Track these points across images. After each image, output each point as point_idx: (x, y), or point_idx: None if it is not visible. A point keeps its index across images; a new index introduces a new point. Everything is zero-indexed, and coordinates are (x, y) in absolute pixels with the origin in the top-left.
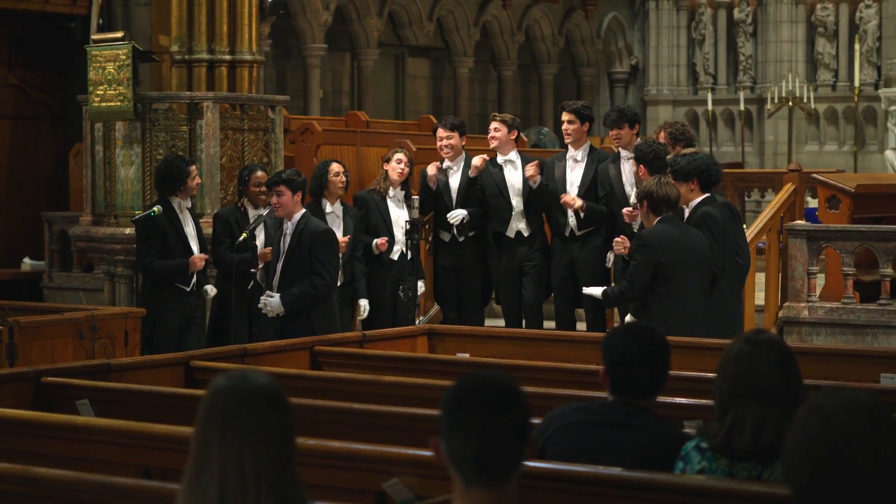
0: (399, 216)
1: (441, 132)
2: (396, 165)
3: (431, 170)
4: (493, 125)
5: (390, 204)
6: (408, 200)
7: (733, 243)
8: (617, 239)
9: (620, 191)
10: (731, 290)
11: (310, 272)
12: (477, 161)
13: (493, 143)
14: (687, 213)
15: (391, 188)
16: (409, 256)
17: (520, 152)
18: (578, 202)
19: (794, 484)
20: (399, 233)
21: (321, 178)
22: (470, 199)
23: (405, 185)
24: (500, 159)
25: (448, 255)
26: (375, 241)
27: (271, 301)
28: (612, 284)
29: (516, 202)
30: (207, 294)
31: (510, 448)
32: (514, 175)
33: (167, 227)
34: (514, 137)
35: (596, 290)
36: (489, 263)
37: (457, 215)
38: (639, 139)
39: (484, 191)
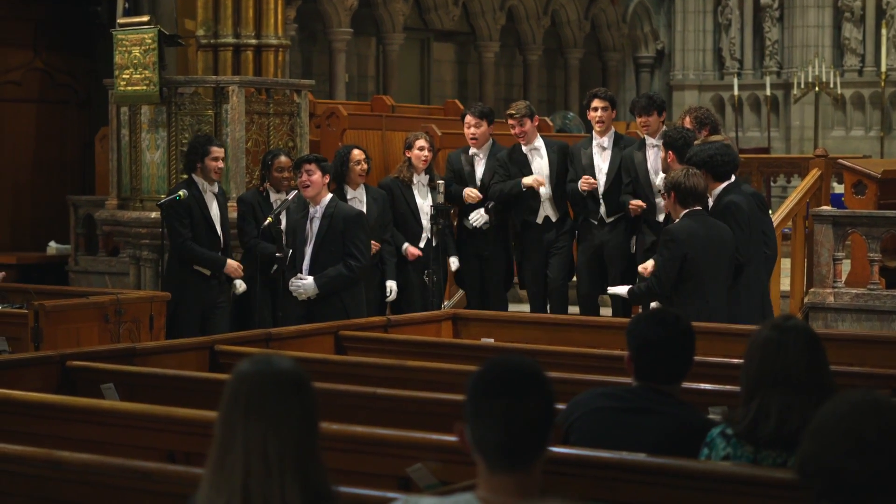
0: (424, 203)
1: (470, 119)
2: (419, 153)
3: (468, 196)
4: (512, 122)
5: (415, 192)
6: (432, 183)
7: (760, 233)
8: (642, 268)
9: (645, 178)
10: (757, 279)
11: (343, 255)
12: (531, 181)
13: (523, 140)
14: (711, 202)
15: (415, 175)
16: (434, 243)
17: (544, 137)
18: (594, 183)
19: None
20: (425, 220)
21: (342, 164)
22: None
23: (429, 170)
24: (525, 149)
25: (471, 241)
26: (406, 246)
27: (305, 283)
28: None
29: (545, 190)
30: (236, 289)
31: (534, 433)
32: (541, 162)
33: (193, 207)
34: (536, 124)
35: (622, 289)
36: (512, 250)
37: (477, 219)
38: (664, 126)
39: (510, 176)
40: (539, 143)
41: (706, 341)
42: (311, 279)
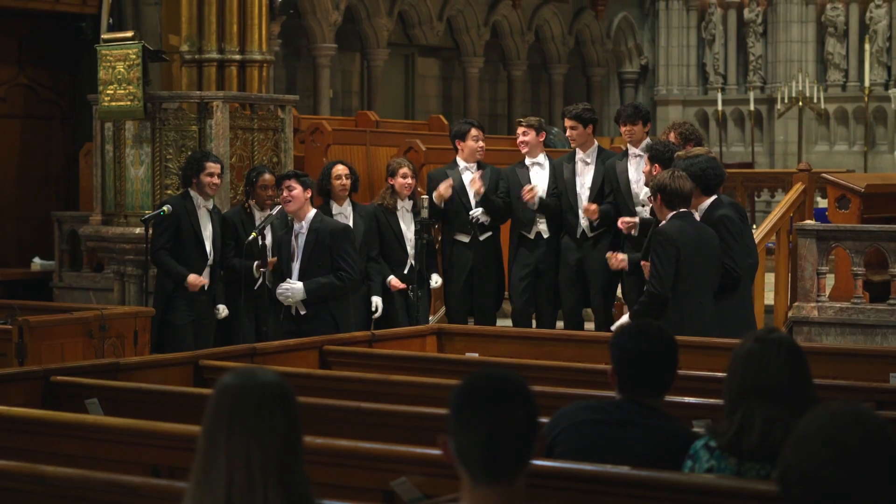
0: (408, 230)
1: (478, 133)
2: (403, 180)
3: (444, 190)
4: (521, 130)
5: (399, 218)
6: (415, 208)
7: (744, 244)
8: (624, 219)
9: (627, 188)
10: (749, 294)
11: (332, 268)
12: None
13: (524, 149)
14: (698, 216)
15: (399, 201)
16: (417, 269)
17: (547, 155)
18: (594, 211)
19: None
20: (409, 246)
21: (326, 180)
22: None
23: (412, 196)
24: (527, 161)
25: (464, 255)
26: (390, 279)
27: (293, 287)
28: (621, 288)
29: (537, 198)
30: (219, 314)
31: (518, 446)
32: (542, 177)
33: (184, 220)
34: (542, 139)
35: (624, 318)
36: (503, 269)
37: (478, 214)
38: (648, 138)
39: (510, 193)
40: (542, 158)
41: (690, 354)
42: (299, 284)
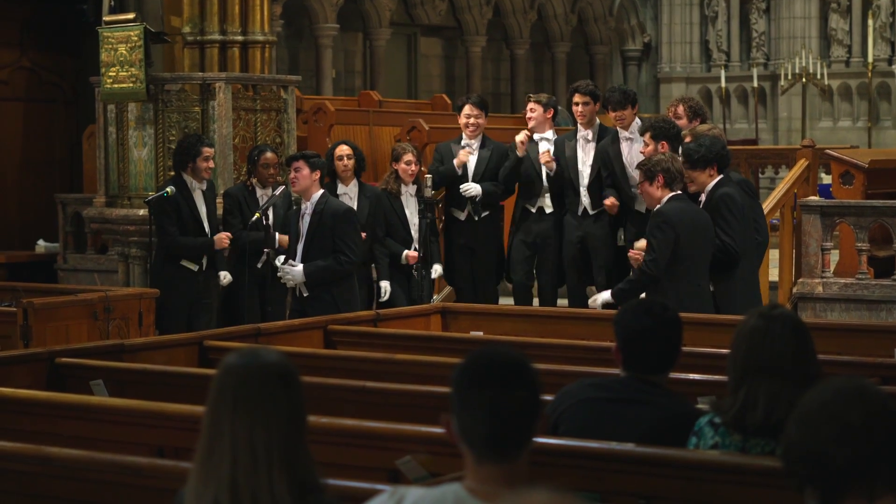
0: (413, 215)
1: (470, 109)
2: (406, 167)
3: (465, 155)
4: (530, 105)
5: (404, 202)
6: (419, 194)
7: (751, 220)
8: (632, 253)
9: (622, 171)
10: (752, 272)
11: (333, 251)
12: (521, 137)
13: (531, 123)
14: (703, 197)
15: (402, 186)
16: (421, 253)
17: (556, 132)
18: (614, 206)
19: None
20: (414, 230)
21: (330, 160)
22: (487, 176)
23: (416, 181)
24: (536, 137)
25: (462, 233)
26: (406, 252)
27: (294, 270)
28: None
29: (548, 179)
30: (222, 280)
31: (521, 423)
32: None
33: (181, 204)
34: (550, 116)
35: (604, 295)
36: (503, 245)
37: (470, 188)
38: (637, 119)
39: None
40: (550, 135)
41: (693, 331)
42: (300, 266)
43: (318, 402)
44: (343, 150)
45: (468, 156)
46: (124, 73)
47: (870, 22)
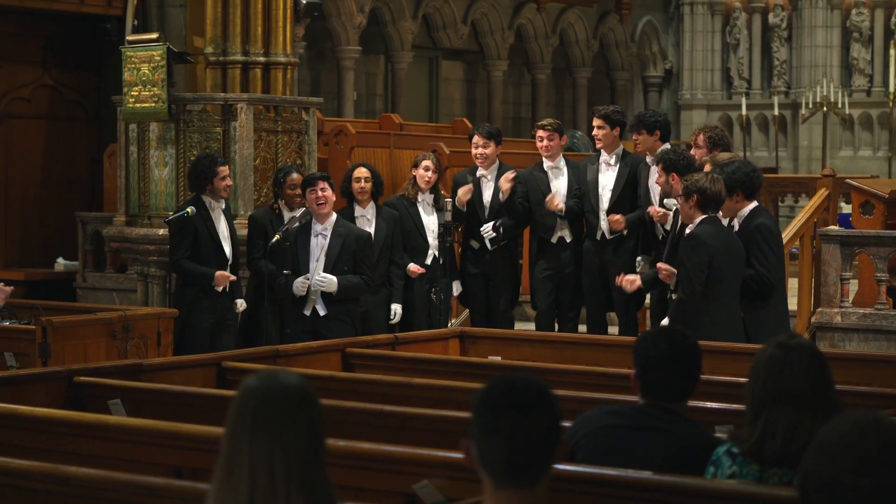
0: (430, 221)
1: (477, 139)
2: (424, 173)
3: (464, 195)
4: (544, 134)
5: (420, 210)
6: (437, 204)
7: (780, 253)
8: (662, 267)
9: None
10: (784, 303)
11: (354, 272)
12: (462, 195)
13: (547, 153)
14: (737, 224)
15: (419, 194)
16: (441, 261)
17: (565, 156)
18: (619, 221)
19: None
20: (431, 237)
21: (348, 182)
22: (502, 210)
23: (434, 189)
24: (546, 165)
25: (477, 263)
26: (410, 266)
27: (328, 278)
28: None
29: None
30: (237, 308)
31: (540, 450)
32: (561, 181)
33: (199, 225)
34: (563, 142)
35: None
36: (519, 271)
37: (489, 231)
38: (666, 144)
39: (528, 198)
40: (561, 163)
41: (713, 360)
42: (334, 277)
43: (336, 426)
44: (361, 172)
45: (468, 194)
46: (146, 93)
47: (892, 52)
